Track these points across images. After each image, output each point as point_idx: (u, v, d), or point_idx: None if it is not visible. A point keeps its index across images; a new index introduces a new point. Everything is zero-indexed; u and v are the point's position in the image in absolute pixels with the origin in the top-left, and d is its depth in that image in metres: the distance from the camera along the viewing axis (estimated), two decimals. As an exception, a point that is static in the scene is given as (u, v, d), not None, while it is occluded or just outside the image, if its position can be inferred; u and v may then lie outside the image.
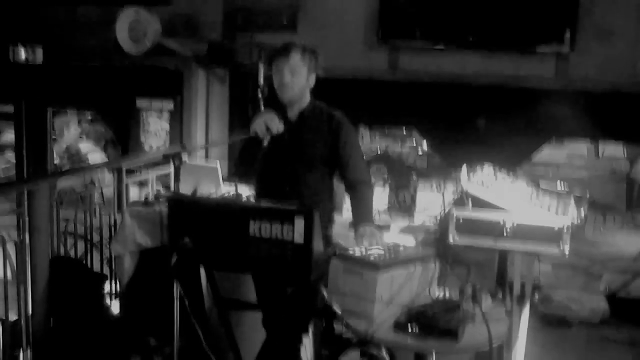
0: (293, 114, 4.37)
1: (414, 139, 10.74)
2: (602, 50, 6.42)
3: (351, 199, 4.43)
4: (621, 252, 7.38)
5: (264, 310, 4.51)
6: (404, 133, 11.43)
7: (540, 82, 6.59)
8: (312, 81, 4.36)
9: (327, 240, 4.39)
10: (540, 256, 4.66)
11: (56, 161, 8.59)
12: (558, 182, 7.01)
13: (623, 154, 9.52)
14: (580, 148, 10.24)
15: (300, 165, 4.35)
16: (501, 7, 6.51)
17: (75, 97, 8.30)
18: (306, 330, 4.29)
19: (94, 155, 9.32)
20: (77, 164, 8.96)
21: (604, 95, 6.47)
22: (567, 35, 6.30)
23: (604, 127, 6.67)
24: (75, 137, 10.03)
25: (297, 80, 4.27)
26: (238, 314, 4.63)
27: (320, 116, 4.40)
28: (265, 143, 4.12)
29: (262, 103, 6.51)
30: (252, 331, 4.84)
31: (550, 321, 6.26)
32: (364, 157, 4.68)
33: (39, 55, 7.30)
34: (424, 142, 9.03)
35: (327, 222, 4.43)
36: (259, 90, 6.65)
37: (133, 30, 7.12)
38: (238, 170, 4.72)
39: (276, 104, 4.39)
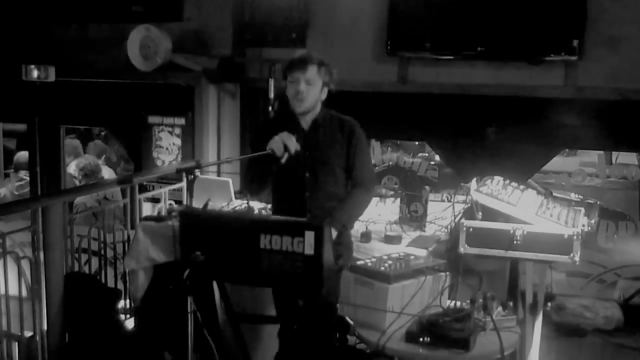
0: (306, 123, 4.48)
1: (425, 150, 10.76)
2: (611, 58, 6.41)
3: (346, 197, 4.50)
4: (634, 259, 7.34)
5: (281, 323, 4.54)
6: (416, 144, 11.45)
7: (550, 91, 6.59)
8: (324, 94, 4.47)
9: (346, 245, 4.46)
10: (553, 265, 4.67)
11: (74, 180, 8.62)
12: (569, 190, 7.02)
13: (636, 162, 9.50)
14: (591, 156, 10.21)
15: (318, 170, 4.45)
16: (509, 17, 6.52)
17: (88, 115, 8.35)
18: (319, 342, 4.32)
19: (104, 171, 9.36)
20: (92, 180, 8.99)
21: (613, 103, 6.46)
22: (576, 43, 6.30)
23: (615, 136, 6.65)
24: (94, 153, 10.08)
25: (312, 92, 4.38)
26: (253, 327, 4.66)
27: (333, 122, 4.53)
28: (283, 161, 4.17)
29: (272, 115, 6.55)
30: (266, 344, 4.87)
31: (564, 330, 6.23)
32: (372, 164, 4.80)
33: (52, 73, 7.35)
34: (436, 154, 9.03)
35: (344, 228, 4.49)
36: (269, 105, 6.68)
37: (144, 48, 7.17)
38: (249, 187, 4.76)
39: (287, 116, 4.47)
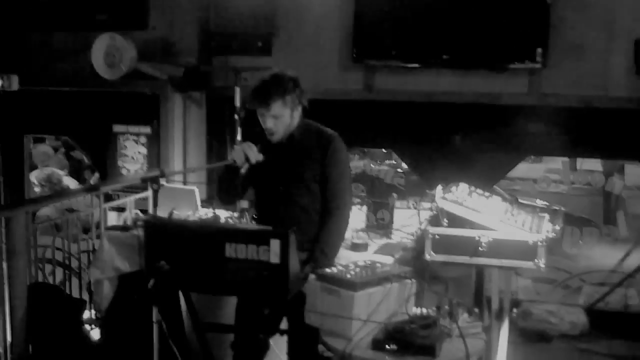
0: (284, 137, 4.40)
1: (392, 157, 10.78)
2: (574, 65, 6.49)
3: (320, 222, 4.43)
4: (599, 265, 7.42)
5: (236, 332, 4.50)
6: (384, 152, 11.47)
7: (514, 98, 6.65)
8: (297, 114, 4.40)
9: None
10: (519, 271, 4.70)
11: (37, 189, 8.53)
12: (535, 196, 7.07)
13: (600, 168, 9.60)
14: (556, 162, 10.29)
15: (292, 186, 4.41)
16: (474, 26, 6.57)
17: (52, 124, 8.28)
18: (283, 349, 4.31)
19: (67, 180, 9.29)
20: (57, 191, 8.92)
21: (577, 110, 6.53)
22: (539, 51, 6.36)
23: (579, 143, 6.72)
24: (57, 164, 9.99)
25: (281, 124, 4.32)
26: (219, 336, 4.63)
27: (310, 135, 4.44)
28: (243, 171, 4.17)
29: (239, 125, 6.53)
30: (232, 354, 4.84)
31: (530, 335, 6.28)
32: (349, 180, 4.63)
33: (15, 82, 7.27)
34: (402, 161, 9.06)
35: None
36: (235, 113, 6.66)
37: (108, 56, 7.14)
38: (219, 195, 4.75)
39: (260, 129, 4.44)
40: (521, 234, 3.95)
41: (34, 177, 8.57)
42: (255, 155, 4.17)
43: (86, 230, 7.02)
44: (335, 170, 4.41)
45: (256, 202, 4.65)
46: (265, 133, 4.37)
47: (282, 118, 4.29)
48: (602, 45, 6.44)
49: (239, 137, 6.40)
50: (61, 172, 9.07)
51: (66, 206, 7.56)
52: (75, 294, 6.03)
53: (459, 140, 6.91)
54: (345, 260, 4.30)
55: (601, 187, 7.53)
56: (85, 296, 5.97)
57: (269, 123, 4.28)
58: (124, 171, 7.57)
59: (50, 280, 5.96)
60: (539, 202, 4.70)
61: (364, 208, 5.86)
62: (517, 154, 6.97)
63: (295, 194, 4.41)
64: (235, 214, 5.40)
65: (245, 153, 4.16)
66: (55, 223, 6.65)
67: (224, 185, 4.48)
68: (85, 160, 10.32)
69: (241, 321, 4.47)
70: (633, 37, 6.32)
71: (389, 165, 9.63)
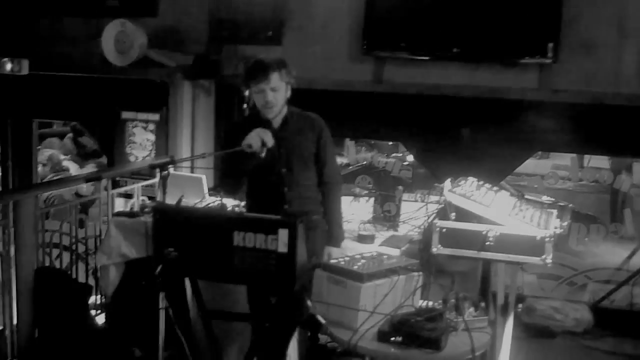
0: (276, 122, 4.54)
1: (399, 150, 10.76)
2: (585, 61, 6.44)
3: (323, 199, 4.68)
4: (605, 262, 7.41)
5: (253, 321, 4.53)
6: (390, 144, 11.45)
7: (524, 93, 6.61)
8: (289, 92, 4.56)
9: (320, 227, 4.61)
10: (525, 266, 4.69)
11: (39, 167, 8.59)
12: (542, 192, 7.05)
13: (608, 166, 9.57)
14: (564, 159, 10.27)
15: (294, 165, 4.54)
16: (485, 19, 6.54)
17: (61, 109, 8.29)
18: (290, 340, 4.31)
19: (70, 165, 9.33)
20: (59, 172, 8.96)
21: (587, 107, 6.49)
22: (550, 46, 6.33)
23: (588, 139, 6.70)
24: (57, 146, 10.04)
25: (279, 97, 4.47)
26: (225, 324, 4.64)
27: (300, 119, 4.62)
28: (263, 155, 4.21)
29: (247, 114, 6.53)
30: (237, 341, 4.86)
31: (534, 331, 6.28)
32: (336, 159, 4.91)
33: (25, 67, 7.28)
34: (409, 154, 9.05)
35: (322, 214, 4.67)
36: (244, 102, 6.66)
37: (119, 42, 7.13)
38: (224, 184, 4.80)
39: (257, 117, 4.49)
40: (529, 230, 3.95)
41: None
42: (270, 139, 4.24)
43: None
44: (328, 149, 4.66)
45: (252, 188, 4.67)
46: (262, 110, 4.49)
47: (280, 92, 4.45)
48: (614, 41, 6.39)
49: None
50: (62, 156, 9.14)
51: (74, 192, 7.60)
52: (82, 279, 6.05)
53: (467, 134, 6.89)
54: (352, 251, 4.30)
55: (609, 184, 7.49)
56: (92, 281, 5.99)
57: (269, 96, 4.40)
58: (131, 158, 7.58)
59: (57, 264, 5.98)
60: (545, 199, 4.70)
61: (371, 200, 5.86)
62: (526, 149, 6.95)
63: (298, 174, 4.55)
64: (242, 203, 5.40)
65: (261, 138, 4.19)
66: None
67: (235, 172, 4.50)
68: (89, 146, 10.38)
69: (255, 311, 4.50)
70: (645, 34, 6.30)
71: (395, 158, 9.62)
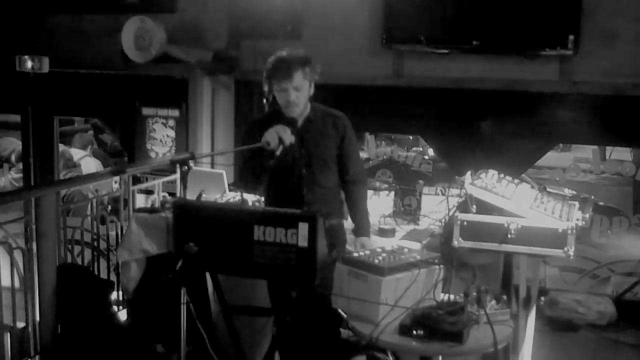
0: (300, 121, 4.45)
1: (419, 144, 10.74)
2: (606, 53, 6.40)
3: (348, 197, 4.70)
4: (628, 255, 7.35)
5: (275, 314, 4.53)
6: (410, 138, 11.44)
7: (545, 85, 6.58)
8: (312, 90, 4.49)
9: (339, 234, 4.61)
10: (547, 259, 4.66)
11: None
12: (563, 185, 7.02)
13: (630, 158, 9.51)
14: (586, 151, 10.22)
15: (315, 166, 4.50)
16: (505, 11, 6.51)
17: (82, 106, 8.34)
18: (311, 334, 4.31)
19: (86, 160, 9.36)
20: (70, 168, 9.01)
21: (608, 98, 6.45)
22: (571, 38, 6.29)
23: (610, 131, 6.65)
24: (79, 143, 10.09)
25: (302, 96, 4.41)
26: (246, 319, 4.65)
27: (324, 117, 4.57)
28: (278, 153, 4.17)
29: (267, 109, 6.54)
30: (259, 336, 4.87)
31: (557, 324, 6.24)
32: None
33: (46, 64, 7.31)
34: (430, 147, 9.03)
35: (341, 216, 4.72)
36: (264, 97, 6.66)
37: (138, 39, 7.16)
38: (243, 180, 4.77)
39: (279, 114, 4.45)
40: (551, 222, 3.92)
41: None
42: (289, 137, 4.19)
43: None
44: (352, 148, 4.63)
45: (272, 188, 4.64)
46: (284, 109, 4.42)
47: (303, 91, 4.38)
48: (634, 32, 6.35)
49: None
50: (76, 151, 9.22)
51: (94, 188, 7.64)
52: (103, 275, 6.07)
53: (488, 127, 6.86)
54: (373, 245, 4.30)
55: (631, 176, 7.44)
56: (113, 277, 6.02)
57: (291, 95, 4.33)
58: (152, 154, 7.61)
59: (79, 261, 6.01)
60: (567, 191, 4.66)
61: (392, 194, 5.85)
62: (547, 141, 6.91)
63: (318, 176, 4.51)
64: (263, 198, 5.40)
65: (279, 135, 4.16)
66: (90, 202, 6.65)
67: (255, 169, 4.46)
68: (109, 143, 10.43)
69: (275, 304, 4.50)
70: (666, 25, 6.24)
71: (415, 152, 9.61)
